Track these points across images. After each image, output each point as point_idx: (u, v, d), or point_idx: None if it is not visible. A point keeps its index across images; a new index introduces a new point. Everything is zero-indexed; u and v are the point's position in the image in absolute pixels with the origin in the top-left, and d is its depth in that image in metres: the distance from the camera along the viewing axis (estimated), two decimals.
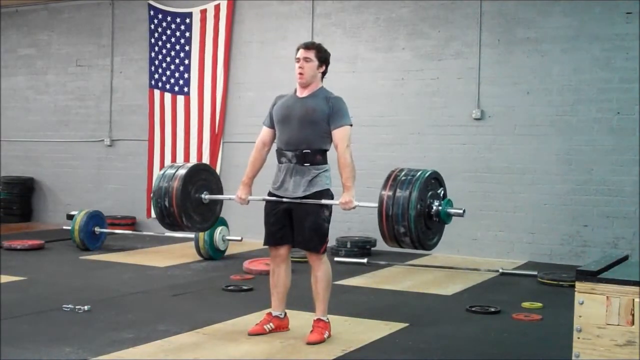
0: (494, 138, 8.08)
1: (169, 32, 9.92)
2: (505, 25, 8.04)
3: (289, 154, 4.41)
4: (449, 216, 4.07)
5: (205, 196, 4.73)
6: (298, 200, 4.37)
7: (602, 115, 7.61)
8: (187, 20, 9.79)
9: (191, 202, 4.66)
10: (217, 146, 9.56)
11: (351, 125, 4.47)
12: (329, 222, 4.44)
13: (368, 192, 8.80)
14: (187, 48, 9.78)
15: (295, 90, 4.55)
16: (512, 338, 4.70)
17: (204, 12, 9.67)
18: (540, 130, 7.86)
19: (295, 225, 4.43)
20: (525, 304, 5.57)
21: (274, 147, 4.60)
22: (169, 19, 9.92)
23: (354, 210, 9.09)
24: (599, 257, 3.76)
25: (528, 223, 7.90)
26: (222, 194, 4.93)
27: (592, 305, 2.87)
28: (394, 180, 3.99)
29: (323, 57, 4.51)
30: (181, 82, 9.83)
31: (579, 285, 2.92)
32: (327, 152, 4.49)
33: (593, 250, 7.51)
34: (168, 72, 9.92)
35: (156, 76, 10.01)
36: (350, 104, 9.48)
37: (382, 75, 8.66)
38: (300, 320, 4.75)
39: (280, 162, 4.49)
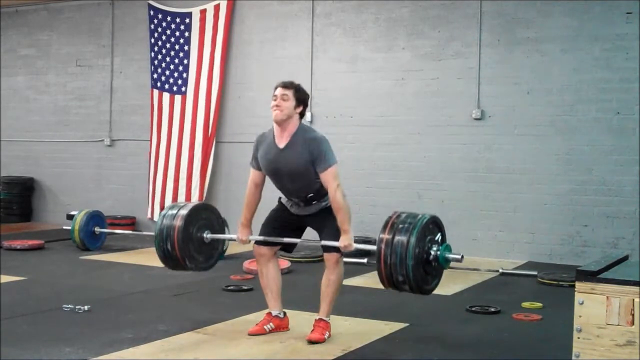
0: (494, 138, 8.07)
1: (168, 32, 9.92)
2: (505, 25, 8.05)
3: (294, 199, 4.49)
4: (448, 261, 4.08)
5: (207, 235, 4.75)
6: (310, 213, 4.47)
7: (602, 115, 7.61)
8: (187, 20, 9.79)
9: (193, 243, 4.68)
10: (209, 147, 9.54)
11: (336, 163, 4.39)
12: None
13: (369, 191, 8.84)
14: (186, 48, 9.78)
15: (274, 135, 4.44)
16: (512, 338, 4.69)
17: (203, 12, 9.67)
18: (540, 130, 7.86)
19: (319, 228, 4.47)
20: (525, 304, 5.57)
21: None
22: (168, 18, 9.92)
23: (354, 210, 9.09)
24: (599, 257, 3.76)
25: (528, 223, 7.90)
26: (223, 232, 5.00)
27: (592, 305, 2.87)
28: (391, 226, 3.99)
29: (301, 98, 4.43)
30: (179, 82, 9.83)
31: (579, 285, 2.92)
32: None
33: (593, 250, 7.51)
34: (167, 72, 9.92)
35: (155, 76, 10.01)
36: (350, 104, 9.55)
37: (382, 75, 8.66)
38: (300, 320, 4.75)
39: (288, 199, 4.54)
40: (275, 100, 4.38)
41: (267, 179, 4.57)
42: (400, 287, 4.01)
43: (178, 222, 4.58)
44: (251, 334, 4.49)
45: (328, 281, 4.44)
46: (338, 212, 4.31)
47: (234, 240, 4.67)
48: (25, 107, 11.27)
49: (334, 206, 4.32)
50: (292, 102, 4.38)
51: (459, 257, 4.08)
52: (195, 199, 9.55)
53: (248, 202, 4.60)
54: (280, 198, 4.62)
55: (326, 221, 4.40)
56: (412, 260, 3.87)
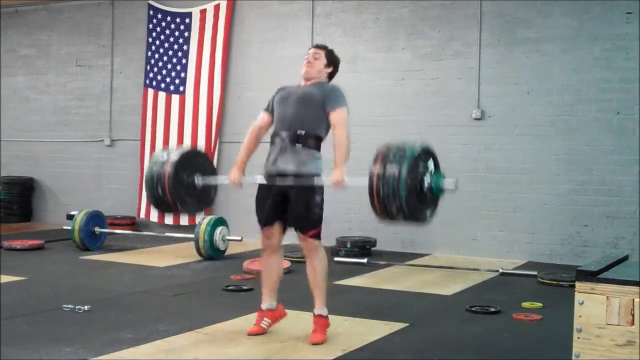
0: (494, 138, 8.07)
1: (167, 31, 9.92)
2: (505, 25, 8.05)
3: (283, 133, 4.43)
4: (441, 189, 4.03)
5: (199, 180, 4.69)
6: (289, 183, 4.37)
7: (602, 115, 7.61)
8: (187, 20, 9.79)
9: (184, 187, 4.61)
10: (212, 146, 9.54)
11: (347, 110, 4.53)
12: (321, 208, 4.42)
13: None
14: (185, 48, 9.78)
15: (299, 85, 4.60)
16: (512, 338, 4.69)
17: (203, 12, 9.67)
18: (540, 130, 7.86)
19: (289, 208, 4.42)
20: (525, 304, 5.57)
21: (259, 146, 4.62)
22: (168, 18, 9.92)
23: (354, 210, 9.09)
24: (599, 257, 3.76)
25: (528, 223, 7.90)
26: (215, 176, 4.91)
27: (592, 305, 2.87)
28: (383, 157, 3.93)
29: (332, 58, 4.61)
30: (177, 81, 9.83)
31: (579, 285, 2.92)
32: (322, 143, 4.49)
33: (593, 250, 7.51)
34: (164, 72, 9.91)
35: (151, 75, 10.01)
36: (351, 104, 9.47)
37: (382, 75, 8.66)
38: (300, 320, 4.75)
39: (273, 142, 4.49)
40: (307, 58, 4.55)
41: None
42: (395, 218, 3.95)
43: (168, 168, 4.53)
44: (251, 334, 4.48)
45: (313, 271, 4.43)
46: (339, 146, 4.35)
47: (226, 182, 4.63)
48: (25, 107, 11.27)
49: (336, 140, 4.35)
50: (323, 61, 4.56)
51: (453, 184, 4.02)
52: None
53: (248, 143, 4.65)
54: (259, 186, 4.56)
55: (300, 199, 4.35)
56: (405, 190, 3.81)
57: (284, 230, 4.55)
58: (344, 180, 4.29)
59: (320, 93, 4.45)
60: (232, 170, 4.62)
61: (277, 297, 4.64)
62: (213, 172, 4.88)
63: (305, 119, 4.40)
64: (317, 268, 4.43)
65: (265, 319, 4.55)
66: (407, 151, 3.91)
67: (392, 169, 3.84)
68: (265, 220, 4.51)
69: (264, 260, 4.64)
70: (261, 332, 4.50)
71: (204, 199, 4.82)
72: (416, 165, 3.91)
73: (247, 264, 6.87)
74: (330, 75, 4.62)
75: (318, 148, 4.47)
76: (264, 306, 4.58)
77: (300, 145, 4.39)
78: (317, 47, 4.62)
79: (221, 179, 4.81)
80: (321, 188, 4.44)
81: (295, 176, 4.35)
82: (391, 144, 4.04)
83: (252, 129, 4.67)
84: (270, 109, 4.63)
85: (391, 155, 3.91)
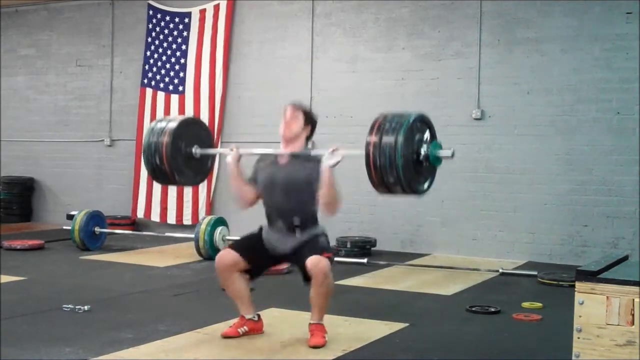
0: (494, 138, 8.08)
1: (166, 31, 9.92)
2: (505, 25, 8.05)
3: (279, 222, 4.38)
4: (439, 159, 4.00)
5: (197, 150, 4.64)
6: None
7: (602, 115, 7.61)
8: (186, 20, 9.80)
9: (182, 157, 4.57)
10: (216, 146, 9.55)
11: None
12: (326, 241, 4.40)
13: (369, 191, 8.81)
14: (183, 47, 9.78)
15: (276, 155, 4.48)
16: (512, 338, 4.69)
17: (203, 12, 9.67)
18: (540, 130, 7.86)
19: (295, 260, 4.37)
20: (525, 304, 5.57)
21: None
22: (167, 18, 9.92)
23: (354, 210, 9.07)
24: (599, 257, 3.76)
25: (528, 223, 7.90)
26: (213, 147, 4.87)
27: (592, 305, 2.87)
28: (378, 127, 3.87)
29: (309, 118, 4.50)
30: (176, 81, 9.82)
31: (579, 285, 2.91)
32: (318, 213, 4.45)
33: (593, 250, 7.51)
34: (163, 71, 9.91)
35: (150, 75, 10.01)
36: (350, 104, 9.56)
37: (382, 75, 8.66)
38: (301, 321, 4.74)
39: (270, 227, 4.44)
40: (285, 119, 4.44)
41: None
42: (393, 189, 3.90)
43: (166, 137, 4.47)
44: (225, 336, 4.43)
45: (317, 294, 4.27)
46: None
47: (224, 153, 4.59)
48: (25, 107, 11.27)
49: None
50: (301, 123, 4.46)
51: (450, 153, 3.98)
52: (203, 198, 9.56)
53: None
54: (260, 227, 4.52)
55: (307, 244, 4.30)
56: (402, 160, 3.76)
57: (243, 271, 4.43)
58: (339, 151, 4.26)
59: (305, 172, 4.33)
60: (233, 147, 4.55)
61: (256, 310, 4.55)
62: (210, 141, 4.83)
63: (298, 207, 4.33)
64: (321, 292, 4.26)
65: (245, 326, 4.48)
66: (403, 120, 3.85)
67: (388, 139, 3.78)
68: (239, 251, 4.38)
69: (223, 282, 4.45)
70: (235, 335, 4.42)
71: (202, 169, 4.76)
72: (412, 134, 3.86)
73: None
74: (308, 136, 4.53)
75: (316, 222, 4.42)
76: (247, 316, 4.51)
77: (299, 230, 4.35)
78: (294, 107, 4.48)
79: (219, 150, 4.76)
80: (324, 232, 4.43)
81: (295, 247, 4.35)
82: (387, 113, 3.98)
83: (238, 202, 4.51)
84: (253, 180, 4.50)
85: (387, 124, 3.85)
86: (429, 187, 4.08)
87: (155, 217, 9.84)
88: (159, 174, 4.58)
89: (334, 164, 4.27)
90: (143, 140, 4.65)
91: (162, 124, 4.60)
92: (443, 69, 8.33)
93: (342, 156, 4.27)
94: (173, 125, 4.54)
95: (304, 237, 4.36)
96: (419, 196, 4.08)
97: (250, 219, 4.91)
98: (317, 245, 4.32)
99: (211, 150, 4.81)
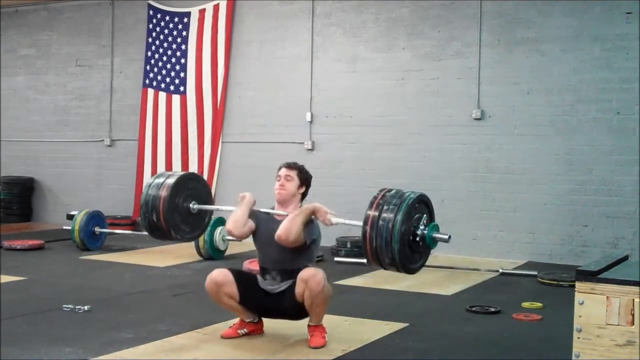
0: (494, 138, 8.08)
1: (166, 31, 9.93)
2: (505, 25, 8.05)
3: (273, 272, 4.39)
4: (435, 241, 3.99)
5: (194, 206, 4.68)
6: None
7: (602, 115, 7.61)
8: (186, 20, 9.80)
9: (179, 213, 4.61)
10: (217, 145, 9.56)
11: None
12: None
13: (369, 192, 8.79)
14: (183, 47, 9.78)
15: (274, 209, 4.48)
16: (512, 338, 4.70)
17: (202, 12, 9.68)
18: (540, 130, 7.86)
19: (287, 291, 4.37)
20: (525, 304, 5.57)
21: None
22: (167, 18, 9.93)
23: (354, 210, 9.05)
24: (599, 257, 3.76)
25: (528, 223, 7.90)
26: (211, 202, 4.90)
27: (592, 305, 2.87)
28: (377, 206, 3.85)
29: (304, 178, 4.49)
30: (177, 81, 9.83)
31: (579, 285, 2.91)
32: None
33: (593, 250, 7.51)
34: (164, 72, 9.92)
35: (151, 75, 10.01)
36: (350, 104, 9.55)
37: (382, 75, 8.66)
38: (301, 321, 4.73)
39: (263, 277, 4.45)
40: (279, 180, 4.44)
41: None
42: (387, 267, 3.91)
43: (164, 192, 4.50)
44: (224, 337, 4.44)
45: (315, 304, 4.24)
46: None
47: (221, 210, 4.60)
48: (25, 107, 11.27)
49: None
50: (295, 183, 4.45)
51: (446, 237, 3.98)
52: None
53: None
54: (257, 276, 4.52)
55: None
56: (398, 243, 3.75)
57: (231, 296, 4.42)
58: (333, 222, 4.25)
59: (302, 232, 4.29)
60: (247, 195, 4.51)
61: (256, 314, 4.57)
62: (208, 196, 4.84)
63: (292, 258, 4.34)
64: (318, 303, 4.24)
65: (244, 328, 4.50)
66: (402, 200, 3.84)
67: (386, 217, 3.78)
68: (231, 272, 4.39)
69: (218, 303, 4.45)
70: (235, 336, 4.44)
71: (198, 226, 4.79)
72: (410, 215, 3.85)
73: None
74: (303, 195, 4.51)
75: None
76: (246, 319, 4.52)
77: (293, 279, 4.33)
78: (289, 167, 4.47)
79: (216, 207, 4.82)
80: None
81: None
82: (387, 190, 3.96)
83: (235, 228, 4.38)
84: (252, 220, 4.45)
85: (386, 203, 3.83)
86: (421, 266, 4.08)
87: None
88: (155, 230, 4.61)
89: (321, 215, 4.26)
90: (141, 195, 4.65)
91: (160, 180, 4.61)
92: (443, 69, 8.32)
93: (337, 223, 4.27)
94: (170, 181, 4.56)
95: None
96: (410, 274, 4.07)
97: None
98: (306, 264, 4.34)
99: (208, 207, 4.82)
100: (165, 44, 9.92)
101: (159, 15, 9.99)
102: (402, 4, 8.56)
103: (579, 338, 2.89)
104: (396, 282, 6.55)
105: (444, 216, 8.41)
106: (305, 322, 4.44)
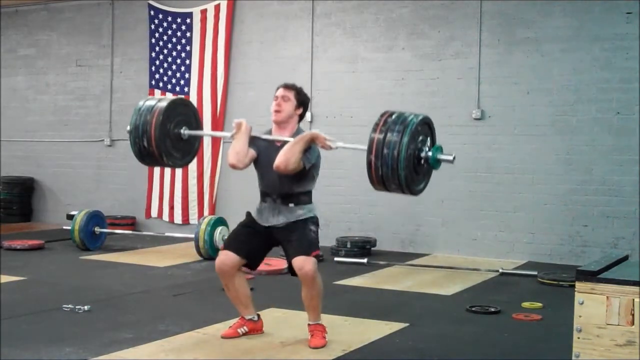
0: (494, 138, 8.08)
1: (169, 32, 9.93)
2: (505, 25, 8.05)
3: (274, 195, 4.38)
4: (439, 162, 3.99)
5: (185, 132, 4.56)
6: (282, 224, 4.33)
7: (602, 115, 7.61)
8: (188, 21, 9.80)
9: (170, 139, 4.49)
10: (218, 145, 9.56)
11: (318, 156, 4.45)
12: (317, 235, 4.36)
13: (369, 191, 8.81)
14: (187, 48, 9.79)
15: (271, 131, 4.45)
16: (512, 338, 4.70)
17: (204, 12, 9.68)
18: (540, 130, 7.86)
19: (287, 241, 4.34)
20: (525, 304, 5.57)
21: (256, 184, 4.52)
22: (169, 19, 9.93)
23: (354, 210, 9.05)
24: (599, 257, 3.76)
25: (528, 223, 7.90)
26: (201, 128, 4.81)
27: (592, 305, 2.87)
28: (384, 124, 3.84)
29: (302, 100, 4.46)
30: (182, 82, 9.84)
31: (579, 285, 2.92)
32: (312, 192, 4.44)
33: (593, 250, 7.51)
34: (169, 72, 9.93)
35: (157, 76, 10.01)
36: (350, 104, 9.55)
37: (382, 75, 8.66)
38: (301, 321, 4.73)
39: (263, 200, 4.44)
40: (276, 100, 4.41)
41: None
42: (390, 186, 3.88)
43: (155, 118, 4.39)
44: (225, 337, 4.44)
45: (310, 296, 4.29)
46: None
47: (211, 135, 4.52)
48: (25, 107, 11.27)
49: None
50: (292, 103, 4.42)
51: (451, 157, 3.98)
52: (206, 198, 9.56)
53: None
54: (248, 213, 4.51)
55: (293, 233, 4.29)
56: (404, 169, 3.75)
57: (250, 267, 4.48)
58: (335, 145, 4.22)
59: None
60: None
61: (256, 310, 4.58)
62: (198, 122, 4.74)
63: (291, 183, 4.33)
64: (313, 294, 4.29)
65: (244, 326, 4.50)
66: (407, 122, 3.83)
67: (391, 139, 3.76)
68: (234, 249, 4.38)
69: (225, 285, 4.47)
70: (235, 336, 4.45)
71: (188, 151, 4.67)
72: (415, 136, 3.84)
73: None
74: (300, 116, 4.48)
75: (310, 200, 4.42)
76: (247, 317, 4.53)
77: (293, 204, 4.34)
78: (286, 87, 4.44)
79: (208, 133, 4.63)
80: (315, 224, 4.39)
81: (288, 224, 4.32)
82: (391, 112, 3.94)
83: (236, 157, 4.36)
84: (252, 149, 4.43)
85: (391, 124, 3.82)
86: (423, 188, 4.08)
87: (165, 217, 9.89)
88: (146, 156, 4.50)
89: (320, 142, 4.24)
90: (130, 121, 4.50)
91: (151, 103, 4.48)
92: (443, 69, 8.32)
93: (337, 147, 4.25)
94: (161, 106, 4.45)
95: (296, 213, 4.34)
96: (413, 195, 4.06)
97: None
98: (305, 239, 4.30)
99: (200, 132, 4.75)
100: (170, 45, 9.92)
101: (160, 16, 9.99)
102: (402, 4, 8.56)
103: (579, 338, 2.89)
104: (396, 282, 6.56)
105: (444, 216, 8.48)
106: (305, 321, 4.45)
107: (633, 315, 2.80)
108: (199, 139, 4.80)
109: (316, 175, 4.46)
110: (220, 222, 7.76)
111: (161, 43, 9.99)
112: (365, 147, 3.82)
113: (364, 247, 8.00)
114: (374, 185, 3.92)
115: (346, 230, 8.60)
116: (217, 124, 9.54)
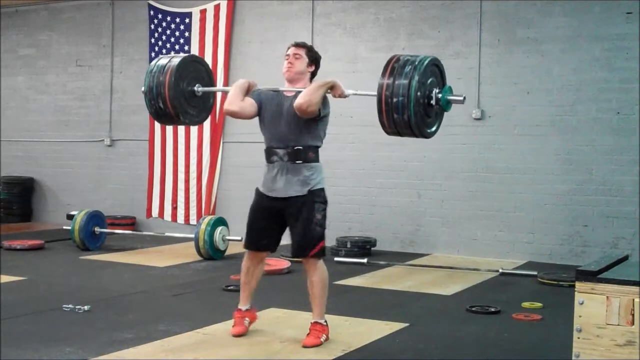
0: (494, 138, 8.08)
1: (168, 32, 9.93)
2: (505, 25, 8.05)
3: (280, 151, 4.34)
4: (449, 103, 3.98)
5: (199, 89, 4.61)
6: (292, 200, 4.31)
7: (602, 115, 7.61)
8: (187, 20, 9.80)
9: (185, 97, 4.54)
10: (218, 145, 9.56)
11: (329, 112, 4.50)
12: (322, 225, 4.34)
13: (369, 191, 8.84)
14: (187, 48, 9.78)
15: (282, 92, 4.46)
16: (512, 338, 4.70)
17: (203, 12, 9.67)
18: (540, 130, 7.86)
19: (289, 227, 4.39)
20: (525, 304, 5.57)
21: (262, 146, 4.54)
22: (168, 19, 9.93)
23: (354, 210, 9.06)
24: (599, 257, 3.77)
25: (528, 223, 7.90)
26: (213, 84, 4.84)
27: (592, 305, 2.87)
28: (392, 68, 3.86)
29: (313, 57, 4.50)
30: None
31: (579, 285, 2.92)
32: (319, 150, 4.41)
33: (593, 250, 7.51)
34: None
35: None
36: (350, 104, 9.52)
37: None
38: (301, 321, 4.74)
39: (270, 161, 4.41)
40: (287, 59, 4.43)
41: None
42: (401, 130, 3.91)
43: (167, 78, 4.43)
44: (236, 335, 4.46)
45: (312, 283, 4.36)
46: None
47: (224, 90, 4.58)
48: (25, 107, 11.27)
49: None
50: (304, 61, 4.46)
51: (461, 98, 3.97)
52: (204, 198, 9.57)
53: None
54: (256, 189, 4.51)
55: (298, 223, 4.30)
56: (414, 99, 3.76)
57: (274, 251, 4.58)
58: (342, 88, 4.29)
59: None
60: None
61: (253, 308, 4.64)
62: (211, 78, 4.78)
63: (301, 134, 4.31)
64: (315, 281, 4.34)
65: (246, 318, 4.54)
66: (418, 61, 3.83)
67: (401, 81, 3.78)
68: (255, 247, 4.49)
69: (247, 267, 4.55)
70: (244, 332, 4.48)
71: (204, 108, 4.73)
72: (427, 76, 3.84)
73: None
74: (313, 74, 4.52)
75: (317, 158, 4.40)
76: (243, 308, 4.55)
77: (301, 161, 4.32)
78: (297, 45, 4.45)
79: (221, 88, 4.71)
80: (323, 205, 4.36)
81: (298, 197, 4.31)
82: (400, 55, 3.95)
83: (234, 106, 4.33)
84: (254, 98, 4.42)
85: (400, 67, 3.83)
86: (435, 131, 4.09)
87: (167, 216, 9.89)
88: (162, 116, 4.57)
89: (338, 90, 4.31)
90: (144, 82, 4.56)
91: (162, 62, 4.52)
92: None
93: (348, 94, 4.34)
94: (173, 65, 4.48)
95: (303, 174, 4.30)
96: (425, 138, 4.08)
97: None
98: (310, 234, 4.28)
99: (213, 88, 4.79)
100: (169, 45, 9.92)
101: (160, 16, 9.99)
102: (402, 4, 8.56)
103: (579, 338, 2.90)
104: (396, 282, 6.56)
105: (444, 216, 8.48)
106: (305, 321, 4.45)
107: (633, 315, 2.80)
108: (213, 94, 4.84)
109: (323, 131, 4.44)
110: (220, 222, 7.76)
111: (161, 43, 9.99)
112: (375, 93, 3.86)
113: (364, 247, 8.00)
114: (386, 129, 3.95)
115: (346, 230, 8.60)
116: (217, 124, 9.54)
